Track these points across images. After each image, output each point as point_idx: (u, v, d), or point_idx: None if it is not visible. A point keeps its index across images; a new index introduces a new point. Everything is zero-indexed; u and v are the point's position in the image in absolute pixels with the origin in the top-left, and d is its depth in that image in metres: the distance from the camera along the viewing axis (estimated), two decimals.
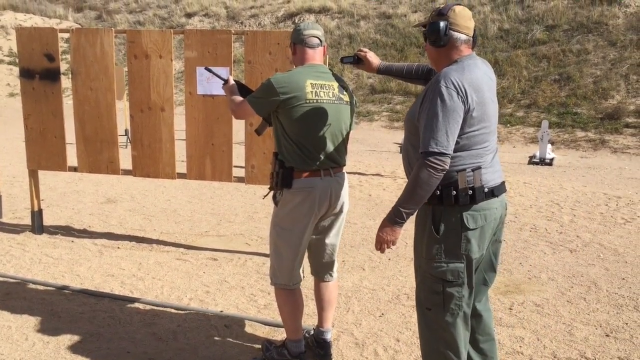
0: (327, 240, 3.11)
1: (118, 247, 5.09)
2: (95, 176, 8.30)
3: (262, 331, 3.48)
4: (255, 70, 4.65)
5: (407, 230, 5.68)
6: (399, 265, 4.71)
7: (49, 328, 3.46)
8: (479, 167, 2.34)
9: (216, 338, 3.38)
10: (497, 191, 2.42)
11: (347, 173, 3.04)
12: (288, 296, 3.05)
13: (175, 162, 4.99)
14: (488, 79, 2.41)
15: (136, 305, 3.85)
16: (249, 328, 3.52)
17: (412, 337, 3.43)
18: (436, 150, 2.22)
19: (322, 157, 2.92)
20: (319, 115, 2.87)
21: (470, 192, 2.32)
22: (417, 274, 2.52)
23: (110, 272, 4.48)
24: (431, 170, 2.23)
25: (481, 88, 2.32)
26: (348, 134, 3.06)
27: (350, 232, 5.68)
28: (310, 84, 2.86)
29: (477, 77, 2.33)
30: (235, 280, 4.29)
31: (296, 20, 21.29)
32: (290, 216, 2.94)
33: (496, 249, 2.59)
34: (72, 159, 5.26)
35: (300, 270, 3.07)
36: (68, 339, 3.33)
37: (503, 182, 2.50)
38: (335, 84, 2.96)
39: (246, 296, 4.03)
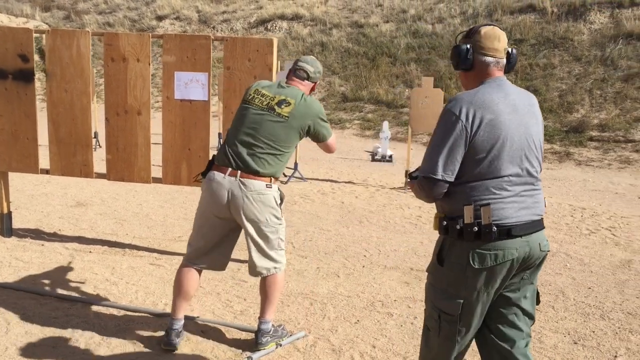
0: (249, 249, 3.24)
1: (90, 251, 5.03)
2: (63, 179, 8.15)
3: (239, 337, 3.49)
4: (234, 76, 4.66)
5: (380, 238, 5.79)
6: (373, 273, 4.77)
7: (21, 333, 3.41)
8: (488, 204, 2.14)
9: (193, 344, 3.37)
10: (516, 231, 2.17)
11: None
12: (180, 271, 3.31)
13: (150, 166, 4.96)
14: (512, 102, 2.24)
15: (110, 310, 3.81)
16: (225, 334, 3.53)
17: (387, 344, 3.48)
18: (425, 175, 2.21)
19: (231, 155, 3.16)
20: (243, 116, 3.21)
21: (475, 228, 2.13)
22: (425, 292, 2.44)
23: (82, 276, 4.42)
24: (423, 190, 2.25)
25: (497, 110, 2.18)
26: (280, 147, 3.17)
27: (324, 239, 5.72)
28: (255, 90, 3.27)
29: (491, 99, 2.20)
30: (211, 286, 4.29)
31: (268, 27, 21.31)
32: (199, 201, 3.29)
33: (527, 292, 2.35)
34: (43, 161, 5.18)
35: (205, 262, 3.28)
36: (41, 344, 3.28)
37: (535, 221, 2.24)
38: (277, 98, 3.19)
39: (222, 302, 4.03)
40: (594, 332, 3.78)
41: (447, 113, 2.20)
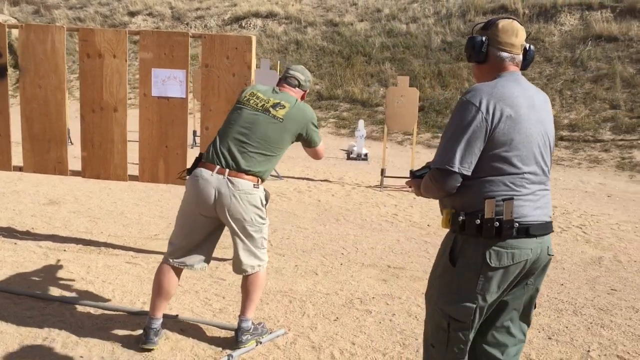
0: (235, 247, 3.24)
1: (64, 250, 4.96)
2: (35, 176, 8.00)
3: (218, 335, 3.48)
4: (212, 74, 4.64)
5: (357, 235, 5.82)
6: (351, 270, 4.79)
7: None
8: (511, 198, 2.06)
9: (172, 342, 3.35)
10: (534, 230, 2.10)
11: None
12: (160, 270, 3.27)
13: (127, 163, 4.91)
14: (530, 97, 2.17)
15: (87, 309, 3.76)
16: (205, 332, 3.51)
17: (366, 341, 3.51)
18: (440, 167, 2.10)
19: (222, 152, 3.16)
20: (237, 116, 3.25)
21: (496, 223, 2.04)
22: (427, 304, 2.28)
23: (57, 275, 4.35)
24: (436, 183, 2.13)
25: (516, 104, 2.10)
26: (272, 148, 3.22)
27: (302, 237, 5.73)
28: (251, 92, 3.33)
29: (510, 92, 2.11)
30: (189, 285, 4.26)
31: (243, 24, 21.21)
32: (183, 198, 3.25)
33: (530, 298, 2.27)
34: (15, 158, 5.08)
35: (188, 260, 3.24)
36: (18, 343, 3.23)
37: (548, 223, 2.17)
38: (273, 101, 3.27)
39: (200, 300, 4.01)
40: (567, 327, 3.87)
41: (466, 104, 2.09)
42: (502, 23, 2.20)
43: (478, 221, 2.05)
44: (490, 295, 2.11)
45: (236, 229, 3.18)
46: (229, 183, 3.10)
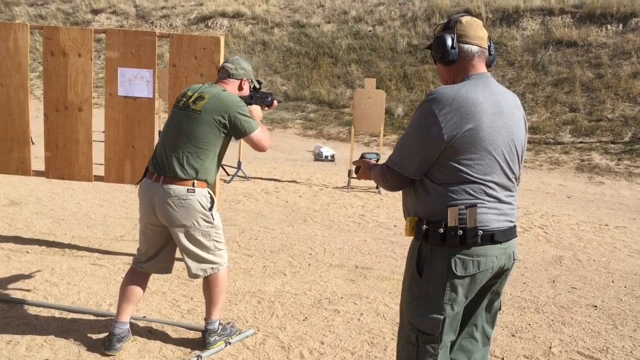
0: (182, 254, 3.21)
1: (27, 252, 4.86)
2: None
3: (187, 336, 3.47)
4: (180, 74, 4.62)
5: (325, 236, 5.85)
6: (319, 271, 4.82)
7: None
8: (475, 205, 2.02)
9: (140, 344, 3.33)
10: (498, 236, 2.07)
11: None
12: (128, 273, 3.31)
13: (92, 164, 4.84)
14: (497, 103, 2.09)
15: (52, 312, 3.70)
16: (173, 333, 3.50)
17: (335, 340, 3.54)
18: (391, 166, 2.14)
19: (155, 160, 3.16)
20: (167, 119, 3.24)
21: (460, 232, 2.00)
22: (399, 319, 2.25)
23: (20, 277, 4.27)
24: (385, 181, 2.19)
25: (480, 110, 2.02)
26: (198, 144, 3.08)
27: (270, 238, 5.74)
28: (183, 93, 3.27)
29: (475, 97, 2.03)
30: (156, 286, 4.23)
31: (209, 24, 21.07)
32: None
33: (493, 303, 2.26)
34: None
35: (150, 268, 3.29)
36: None
37: (511, 228, 2.14)
38: (196, 95, 3.17)
39: (168, 301, 3.99)
40: (529, 324, 3.97)
41: (427, 109, 2.04)
42: (465, 18, 2.16)
43: (442, 230, 2.02)
44: (458, 305, 2.08)
45: (180, 236, 3.11)
46: (162, 190, 3.07)
